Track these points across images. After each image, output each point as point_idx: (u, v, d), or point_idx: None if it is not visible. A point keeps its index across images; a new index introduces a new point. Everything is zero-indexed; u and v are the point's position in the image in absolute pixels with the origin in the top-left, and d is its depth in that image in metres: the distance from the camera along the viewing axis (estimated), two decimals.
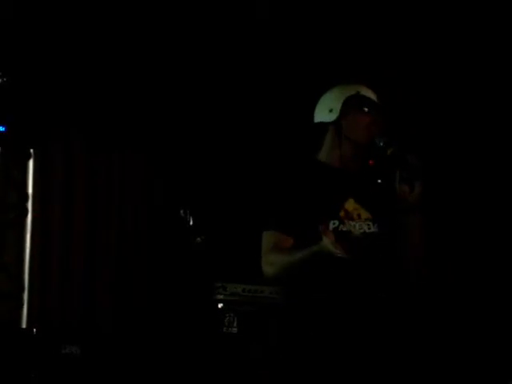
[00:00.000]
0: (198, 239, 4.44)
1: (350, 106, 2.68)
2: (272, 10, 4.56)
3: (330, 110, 2.70)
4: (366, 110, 2.67)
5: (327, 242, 2.41)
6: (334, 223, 2.59)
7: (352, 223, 2.61)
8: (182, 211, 4.36)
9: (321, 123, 2.73)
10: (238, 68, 4.98)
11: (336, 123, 2.69)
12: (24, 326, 4.73)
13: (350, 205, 2.63)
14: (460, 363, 4.38)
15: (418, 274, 2.63)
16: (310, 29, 4.68)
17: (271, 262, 2.59)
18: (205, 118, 5.23)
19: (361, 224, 2.61)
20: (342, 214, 2.61)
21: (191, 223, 4.41)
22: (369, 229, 2.62)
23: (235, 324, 4.46)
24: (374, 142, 2.62)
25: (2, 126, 4.72)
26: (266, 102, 5.14)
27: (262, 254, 2.63)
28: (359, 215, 2.62)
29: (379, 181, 2.68)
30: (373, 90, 2.72)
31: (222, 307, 4.48)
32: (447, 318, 4.56)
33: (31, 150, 4.92)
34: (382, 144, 2.61)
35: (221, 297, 4.50)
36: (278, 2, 4.52)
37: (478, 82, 4.74)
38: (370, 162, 2.69)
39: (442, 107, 4.86)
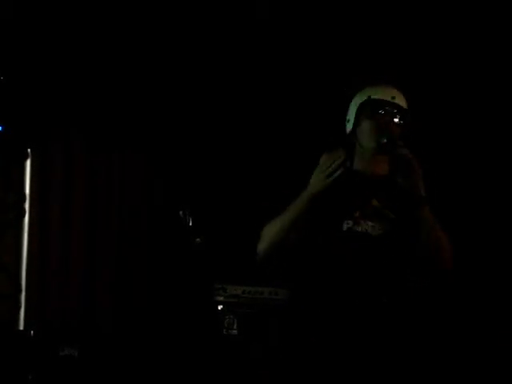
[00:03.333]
0: (198, 240, 4.43)
1: (361, 114, 2.67)
2: (272, 10, 4.55)
3: (348, 121, 2.73)
4: (378, 115, 2.64)
5: (316, 176, 2.43)
6: (347, 223, 2.58)
7: (370, 224, 2.59)
8: (181, 212, 4.34)
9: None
10: (238, 68, 4.97)
11: (352, 134, 2.70)
12: (21, 327, 4.71)
13: (371, 206, 2.61)
14: (469, 370, 4.35)
15: (439, 269, 2.59)
16: (311, 29, 4.67)
17: (262, 237, 2.57)
18: (205, 118, 5.22)
19: (381, 224, 2.60)
20: (356, 214, 2.59)
21: (191, 224, 4.39)
22: (389, 229, 2.60)
23: (235, 326, 4.45)
24: (378, 139, 2.60)
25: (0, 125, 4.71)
26: (265, 103, 5.13)
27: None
28: (380, 216, 2.60)
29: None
30: (392, 85, 2.70)
31: (221, 309, 4.46)
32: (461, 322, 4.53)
33: (29, 150, 4.91)
34: (385, 140, 2.59)
35: (220, 298, 4.49)
36: (277, 2, 4.51)
37: (478, 79, 4.72)
38: None
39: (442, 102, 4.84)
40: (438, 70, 4.77)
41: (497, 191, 4.79)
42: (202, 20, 4.63)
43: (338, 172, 2.48)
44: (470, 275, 4.56)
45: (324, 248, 2.57)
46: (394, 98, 2.67)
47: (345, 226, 2.57)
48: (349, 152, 2.69)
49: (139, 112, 5.14)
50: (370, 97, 2.67)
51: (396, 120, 2.65)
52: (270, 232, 2.55)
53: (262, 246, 2.57)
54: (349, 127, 2.71)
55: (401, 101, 2.68)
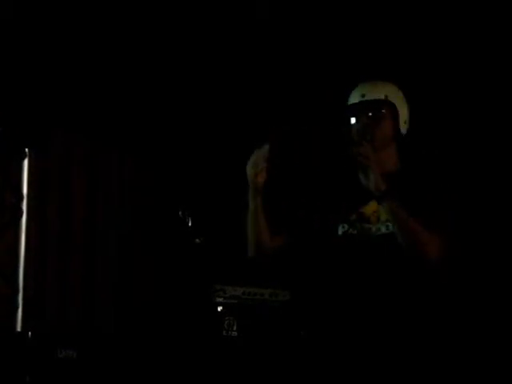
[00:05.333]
0: (197, 240, 4.41)
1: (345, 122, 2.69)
2: (272, 10, 4.54)
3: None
4: (352, 120, 2.66)
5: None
6: (343, 227, 2.57)
7: (367, 226, 2.57)
8: (180, 212, 4.32)
9: None
10: (238, 68, 4.96)
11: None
12: (19, 328, 4.69)
13: (370, 208, 2.59)
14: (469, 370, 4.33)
15: (424, 261, 2.57)
16: (311, 29, 4.66)
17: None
18: (205, 118, 5.21)
19: (379, 226, 2.58)
20: (353, 217, 2.57)
21: (190, 224, 4.37)
22: (387, 229, 2.58)
23: (235, 327, 4.42)
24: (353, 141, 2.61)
25: None
26: (265, 102, 5.12)
27: None
28: (378, 217, 2.59)
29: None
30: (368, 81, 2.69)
31: (221, 310, 4.44)
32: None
33: (27, 150, 4.89)
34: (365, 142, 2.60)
35: (220, 300, 4.46)
36: (277, 2, 4.50)
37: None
38: None
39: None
40: (437, 69, 4.76)
41: (497, 191, 4.78)
42: (202, 20, 4.62)
43: (260, 168, 2.53)
44: (470, 275, 4.55)
45: (319, 253, 2.56)
46: (363, 95, 2.66)
47: (340, 230, 2.57)
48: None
49: (139, 112, 5.13)
50: (347, 104, 2.71)
51: (370, 114, 2.64)
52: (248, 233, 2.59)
53: (248, 247, 2.60)
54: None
55: (373, 93, 2.67)
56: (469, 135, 4.78)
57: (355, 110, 2.65)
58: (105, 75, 4.92)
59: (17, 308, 4.74)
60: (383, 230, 2.56)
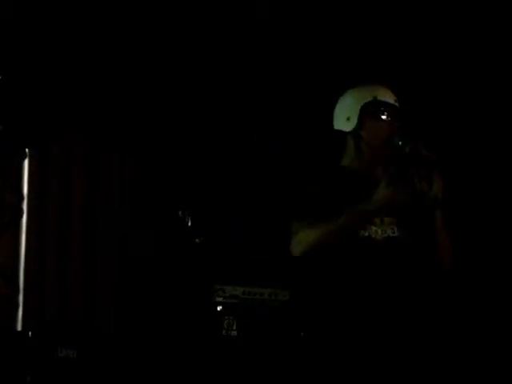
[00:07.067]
0: (197, 240, 4.41)
1: (367, 114, 2.62)
2: (272, 10, 4.54)
3: (348, 119, 2.65)
4: (384, 117, 2.61)
5: (384, 191, 2.38)
6: None
7: (374, 228, 2.56)
8: (180, 212, 4.33)
9: (340, 131, 2.68)
10: (238, 68, 4.97)
11: (354, 133, 2.65)
12: (19, 328, 4.69)
13: None
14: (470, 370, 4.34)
15: (448, 270, 2.59)
16: (311, 29, 4.67)
17: (299, 238, 2.51)
18: (205, 118, 5.21)
19: (384, 229, 2.57)
20: None
21: (190, 224, 4.38)
22: (393, 233, 2.58)
23: (235, 327, 4.42)
24: (392, 141, 2.56)
25: None
26: (265, 103, 5.12)
27: (292, 236, 2.56)
28: (382, 220, 2.58)
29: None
30: (390, 90, 2.68)
31: (221, 310, 4.44)
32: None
33: (27, 150, 4.89)
34: (400, 143, 2.54)
35: (220, 299, 4.46)
36: (277, 2, 4.50)
37: (495, 73, 4.71)
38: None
39: (455, 99, 4.83)
40: (436, 70, 4.77)
41: (497, 191, 4.78)
42: (202, 20, 4.62)
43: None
44: (470, 275, 4.56)
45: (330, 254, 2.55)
46: (396, 101, 2.65)
47: None
48: (341, 145, 2.67)
49: (139, 112, 5.13)
50: (375, 97, 2.63)
51: (397, 124, 2.63)
52: (313, 235, 2.49)
53: (301, 247, 2.50)
54: (349, 126, 2.64)
55: (398, 103, 2.67)
56: (468, 137, 4.79)
57: (392, 110, 2.61)
58: (104, 76, 4.92)
59: (17, 307, 4.75)
60: (389, 232, 2.56)
